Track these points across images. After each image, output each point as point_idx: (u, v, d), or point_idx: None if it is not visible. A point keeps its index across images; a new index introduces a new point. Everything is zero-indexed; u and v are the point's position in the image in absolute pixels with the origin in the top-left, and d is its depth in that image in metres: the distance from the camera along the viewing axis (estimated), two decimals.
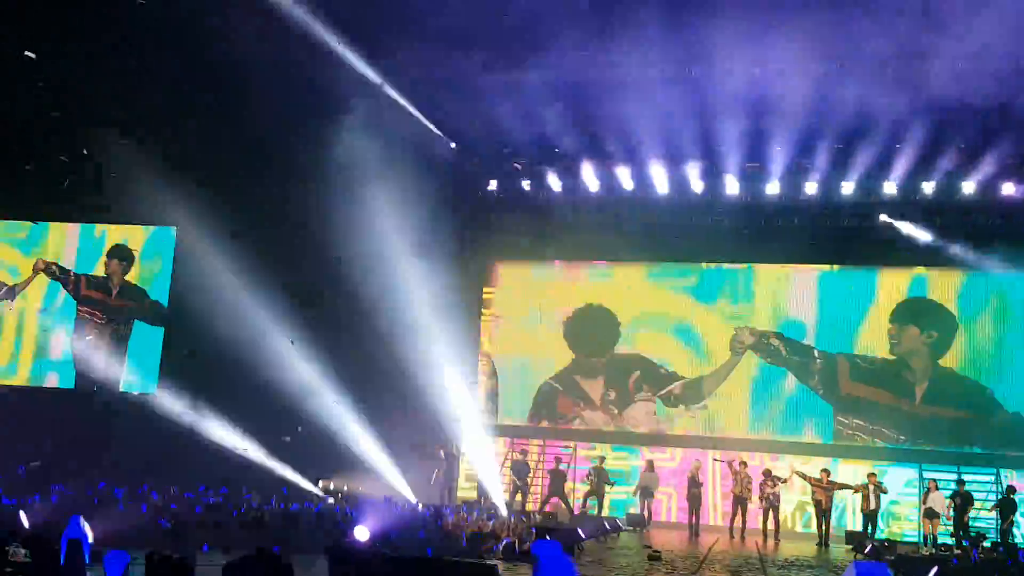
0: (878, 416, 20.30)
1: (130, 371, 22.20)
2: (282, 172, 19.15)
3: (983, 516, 18.13)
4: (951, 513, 17.80)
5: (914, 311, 20.52)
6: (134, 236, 22.91)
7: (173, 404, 20.57)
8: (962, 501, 17.82)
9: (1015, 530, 18.07)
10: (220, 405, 19.88)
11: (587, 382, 21.72)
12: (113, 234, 22.98)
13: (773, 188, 20.21)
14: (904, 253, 20.34)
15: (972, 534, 17.30)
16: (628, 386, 21.46)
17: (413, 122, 18.59)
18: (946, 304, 20.42)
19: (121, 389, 22.05)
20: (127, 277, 22.76)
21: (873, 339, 20.62)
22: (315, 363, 19.42)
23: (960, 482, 18.21)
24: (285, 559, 7.58)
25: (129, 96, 18.01)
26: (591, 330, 21.75)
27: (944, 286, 20.56)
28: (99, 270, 22.90)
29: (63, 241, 23.11)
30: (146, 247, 22.84)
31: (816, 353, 20.79)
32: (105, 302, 22.74)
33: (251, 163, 19.32)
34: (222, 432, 19.52)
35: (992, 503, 18.08)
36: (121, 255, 22.88)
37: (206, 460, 18.94)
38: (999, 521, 17.69)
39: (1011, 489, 17.91)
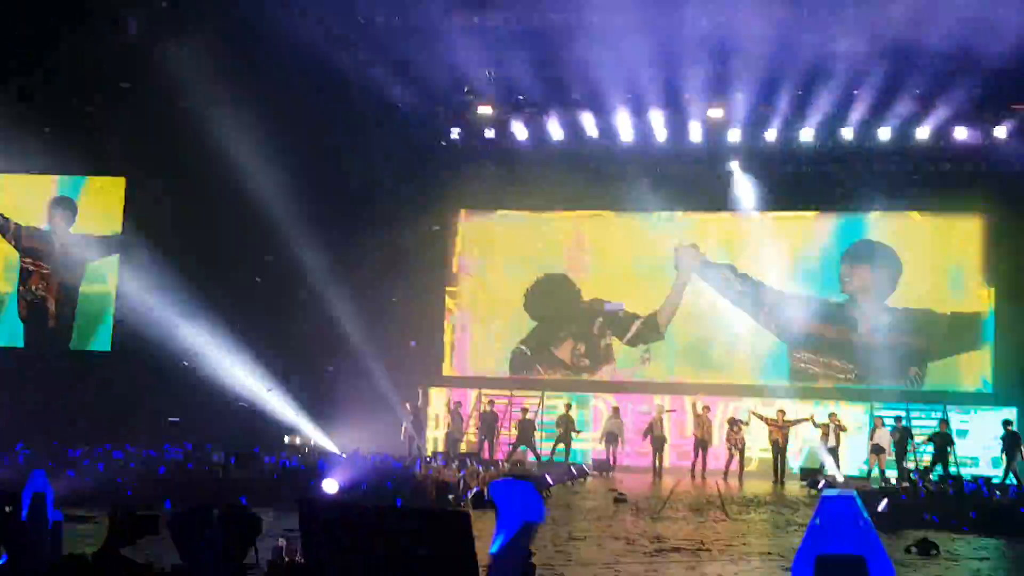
0: (829, 350, 21.06)
1: (82, 327, 21.65)
2: (235, 120, 18.63)
3: (929, 451, 18.63)
4: (892, 448, 18.34)
5: (865, 252, 21.19)
6: (81, 186, 22.11)
7: (129, 361, 20.11)
8: (901, 436, 18.42)
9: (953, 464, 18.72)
10: (176, 361, 19.49)
11: (556, 347, 22.01)
12: (58, 185, 22.13)
13: (735, 135, 20.28)
14: (857, 197, 20.83)
15: (920, 468, 17.89)
16: (593, 334, 21.74)
17: (373, 67, 18.17)
18: (894, 245, 21.10)
19: (73, 347, 21.51)
20: (72, 229, 21.99)
21: (825, 279, 21.24)
22: (278, 316, 19.17)
23: (898, 419, 18.83)
24: (254, 512, 7.43)
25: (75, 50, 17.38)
26: (552, 301, 22.00)
27: (895, 228, 21.27)
28: (43, 222, 22.06)
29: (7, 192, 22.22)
30: (93, 197, 22.07)
31: (768, 290, 21.25)
32: (50, 252, 21.85)
33: (203, 113, 18.77)
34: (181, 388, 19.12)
35: (925, 436, 18.64)
36: (65, 206, 22.07)
37: (168, 418, 18.67)
38: (934, 454, 18.22)
39: (944, 423, 18.53)
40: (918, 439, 18.74)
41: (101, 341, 21.50)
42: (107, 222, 21.74)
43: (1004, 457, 18.04)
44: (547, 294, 22.01)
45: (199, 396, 18.63)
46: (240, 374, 19.02)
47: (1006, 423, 18.41)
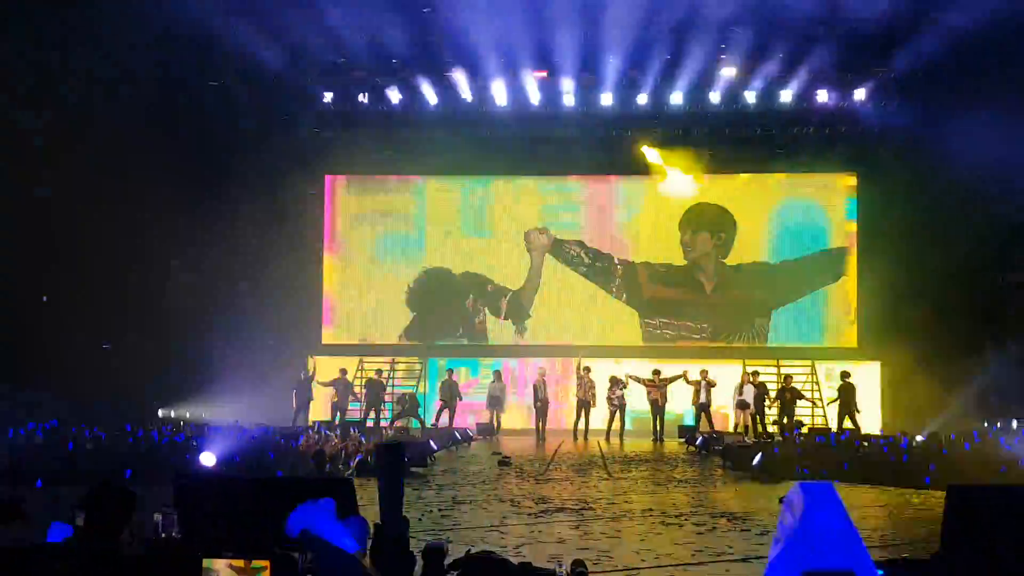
0: (677, 312, 21.83)
1: None
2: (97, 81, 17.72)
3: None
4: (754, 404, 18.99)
5: (702, 217, 21.88)
6: None
7: None
8: (758, 392, 19.02)
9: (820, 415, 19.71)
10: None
11: (445, 335, 22.13)
12: None
13: (608, 99, 20.52)
14: (721, 160, 21.36)
15: (783, 422, 18.63)
16: (468, 309, 21.95)
17: (241, 28, 17.55)
18: (727, 206, 21.89)
19: None
20: None
21: (668, 247, 21.95)
22: (150, 286, 18.45)
23: (755, 374, 19.46)
24: (129, 488, 7.16)
25: None
26: (435, 295, 22.06)
27: (729, 190, 22.00)
28: None
29: None
30: None
31: (616, 261, 21.90)
32: None
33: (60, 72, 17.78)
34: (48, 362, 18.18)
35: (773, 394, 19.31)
36: None
37: (31, 396, 17.77)
38: (781, 408, 18.88)
39: (845, 374, 18.97)
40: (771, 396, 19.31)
41: None
42: None
43: (839, 404, 18.67)
44: (431, 289, 22.01)
45: (68, 370, 17.78)
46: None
47: (844, 374, 18.99)
